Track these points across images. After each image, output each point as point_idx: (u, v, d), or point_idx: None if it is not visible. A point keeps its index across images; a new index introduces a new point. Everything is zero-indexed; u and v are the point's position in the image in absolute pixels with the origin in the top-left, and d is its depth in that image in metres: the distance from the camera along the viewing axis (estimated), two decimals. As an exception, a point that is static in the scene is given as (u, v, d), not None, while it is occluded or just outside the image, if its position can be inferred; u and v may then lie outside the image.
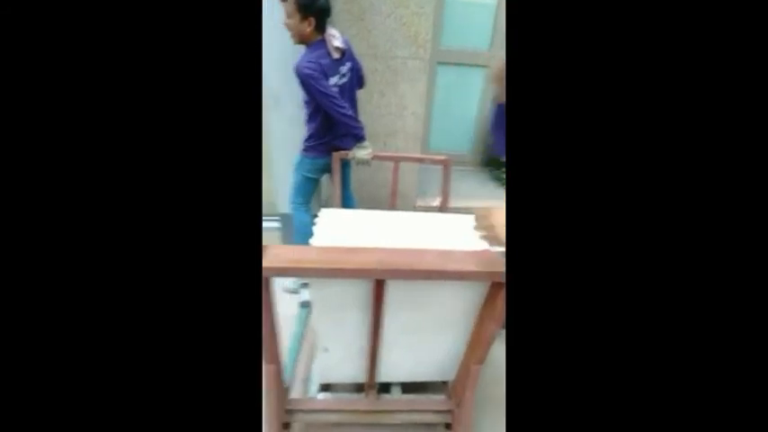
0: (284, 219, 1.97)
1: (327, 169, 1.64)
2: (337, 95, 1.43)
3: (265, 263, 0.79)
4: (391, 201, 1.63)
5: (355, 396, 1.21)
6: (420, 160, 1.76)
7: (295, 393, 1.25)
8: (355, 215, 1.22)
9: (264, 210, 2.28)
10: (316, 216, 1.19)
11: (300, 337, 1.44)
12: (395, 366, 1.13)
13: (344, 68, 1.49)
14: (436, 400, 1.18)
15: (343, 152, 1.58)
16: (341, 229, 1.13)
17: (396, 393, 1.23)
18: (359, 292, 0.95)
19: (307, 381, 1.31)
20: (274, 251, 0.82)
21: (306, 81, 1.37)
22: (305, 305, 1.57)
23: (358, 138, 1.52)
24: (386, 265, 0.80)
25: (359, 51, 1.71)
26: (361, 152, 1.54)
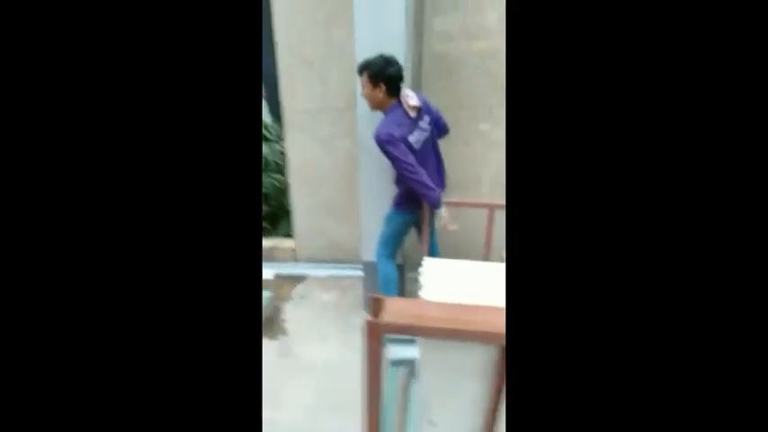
0: (366, 266, 1.94)
1: (417, 223, 1.62)
2: (413, 163, 1.44)
3: (386, 318, 0.72)
4: (485, 251, 1.52)
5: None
6: (514, 208, 1.65)
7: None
8: (459, 266, 1.13)
9: (349, 256, 2.30)
10: (400, 266, 1.13)
11: (393, 402, 1.31)
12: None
13: (424, 123, 1.52)
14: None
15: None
16: (450, 282, 1.05)
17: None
18: (478, 359, 0.83)
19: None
20: (395, 305, 0.76)
21: (384, 147, 1.42)
22: (397, 364, 1.45)
23: (432, 205, 1.48)
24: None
25: (444, 104, 1.73)
26: (438, 222, 1.51)
